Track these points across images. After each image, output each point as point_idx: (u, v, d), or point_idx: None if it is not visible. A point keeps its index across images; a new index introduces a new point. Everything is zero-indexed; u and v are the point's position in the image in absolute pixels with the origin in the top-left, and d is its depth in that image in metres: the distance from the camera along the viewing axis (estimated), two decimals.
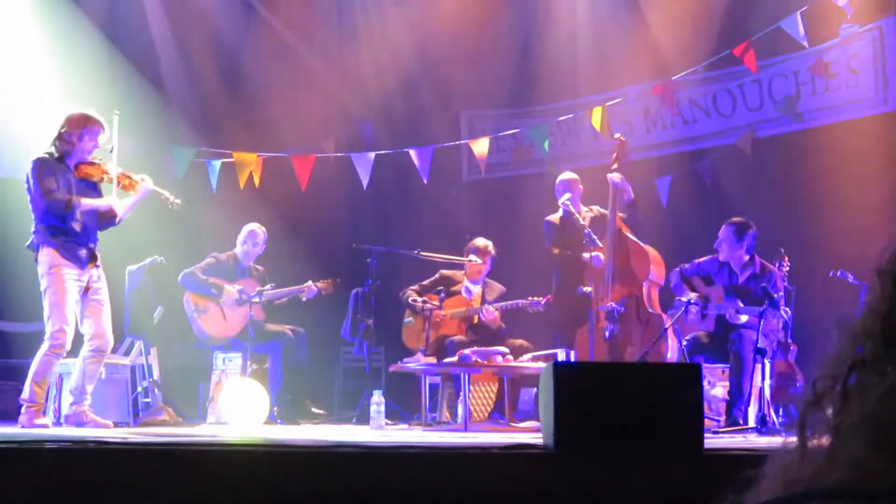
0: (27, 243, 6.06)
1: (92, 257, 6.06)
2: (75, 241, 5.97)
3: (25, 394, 5.92)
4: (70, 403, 6.02)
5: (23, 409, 5.90)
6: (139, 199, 6.24)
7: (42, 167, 5.96)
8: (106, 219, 6.18)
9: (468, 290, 7.81)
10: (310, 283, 7.79)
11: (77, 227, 5.97)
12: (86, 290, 6.02)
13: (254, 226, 7.92)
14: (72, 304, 5.92)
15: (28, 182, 6.00)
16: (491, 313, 7.47)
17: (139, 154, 8.30)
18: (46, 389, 6.03)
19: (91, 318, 6.03)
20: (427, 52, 10.04)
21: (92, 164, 6.12)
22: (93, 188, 6.16)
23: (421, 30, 9.92)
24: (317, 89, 10.10)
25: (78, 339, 6.09)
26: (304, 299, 7.82)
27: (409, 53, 10.06)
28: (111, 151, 6.18)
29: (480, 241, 7.85)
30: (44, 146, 6.10)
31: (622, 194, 7.42)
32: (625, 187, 7.42)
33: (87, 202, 6.04)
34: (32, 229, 6.02)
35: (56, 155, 6.03)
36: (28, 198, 6.06)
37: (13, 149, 8.53)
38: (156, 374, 7.34)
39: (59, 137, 6.03)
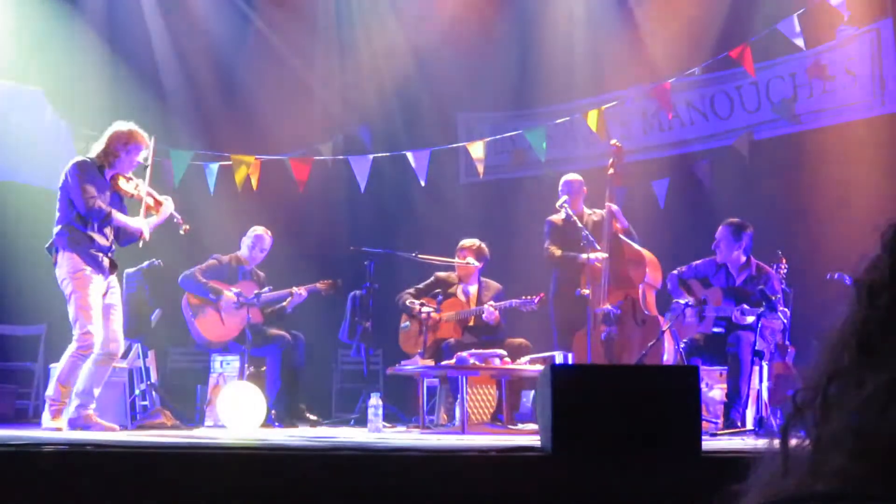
0: (47, 245, 6.06)
1: (112, 266, 6.12)
2: (98, 248, 6.01)
3: (50, 391, 5.98)
4: (76, 406, 6.02)
5: (47, 406, 5.95)
6: (161, 220, 6.36)
7: (85, 171, 6.01)
8: (127, 237, 6.25)
9: (464, 292, 7.80)
10: (294, 288, 7.74)
11: (102, 238, 6.03)
12: (103, 296, 6.06)
13: (261, 230, 7.91)
14: (97, 306, 5.97)
15: (66, 180, 6.00)
16: (491, 313, 7.44)
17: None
18: (71, 389, 6.05)
19: (104, 322, 6.07)
20: (424, 54, 10.04)
21: (127, 179, 6.21)
22: (120, 201, 6.23)
23: (418, 33, 9.93)
24: (314, 92, 10.11)
25: None
26: (287, 309, 7.76)
27: (406, 56, 10.07)
28: (146, 169, 6.27)
29: (467, 241, 7.83)
30: (86, 152, 6.15)
31: (616, 221, 7.47)
32: (619, 216, 7.47)
33: (122, 218, 6.13)
34: (56, 231, 6.02)
35: (97, 164, 6.09)
36: (58, 196, 6.06)
37: (11, 152, 8.54)
38: (153, 377, 7.33)
39: (106, 149, 6.10)
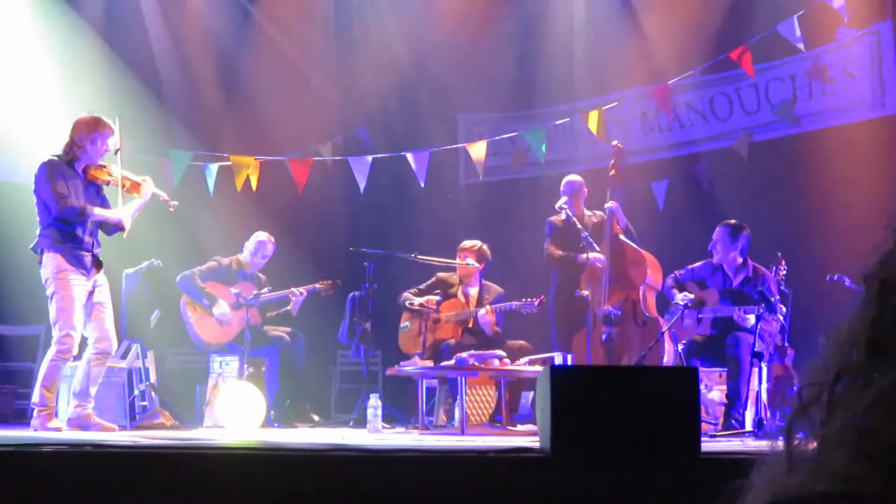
0: (31, 245, 6.05)
1: (96, 263, 6.09)
2: (81, 247, 5.99)
3: (35, 398, 5.96)
4: (74, 406, 6.02)
5: (34, 414, 5.93)
6: (144, 202, 6.27)
7: (52, 171, 5.96)
8: (113, 226, 6.20)
9: (465, 293, 7.79)
10: (293, 289, 7.71)
11: (84, 234, 6.00)
12: (90, 294, 6.04)
13: (264, 236, 7.88)
14: (79, 309, 5.94)
15: (36, 184, 5.98)
16: (485, 317, 7.43)
17: (136, 157, 8.31)
18: (56, 393, 6.04)
19: (95, 321, 6.05)
20: (424, 55, 10.04)
21: (99, 167, 6.15)
22: (97, 191, 6.19)
23: (418, 33, 9.93)
24: (314, 93, 10.10)
25: (82, 342, 6.11)
26: (293, 313, 7.73)
27: (405, 57, 10.07)
28: (116, 154, 6.20)
29: (468, 243, 7.82)
30: (52, 149, 6.12)
31: (615, 220, 7.47)
32: (618, 215, 7.47)
33: (100, 213, 6.09)
34: (38, 232, 6.01)
35: (65, 159, 6.05)
36: (34, 200, 6.04)
37: (9, 153, 8.53)
38: (152, 377, 7.33)
39: (71, 142, 6.05)
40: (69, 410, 6.04)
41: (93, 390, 6.07)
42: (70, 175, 6.02)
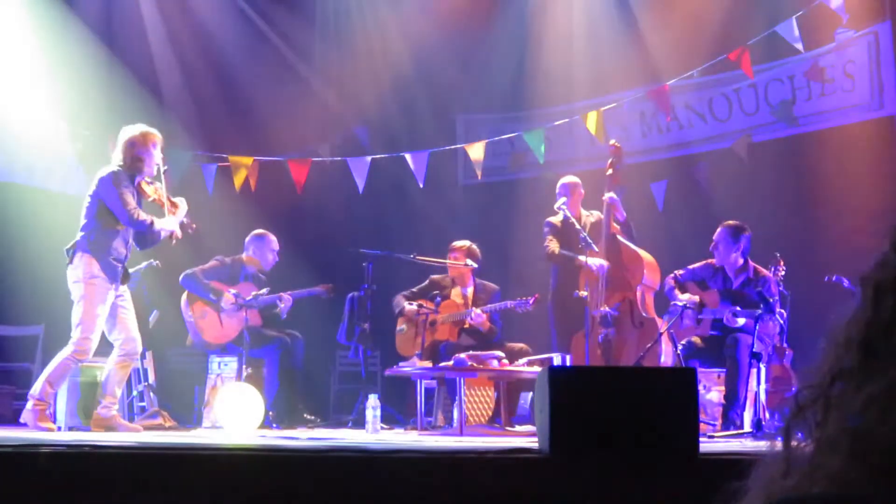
0: (67, 247, 6.09)
1: (125, 276, 6.17)
2: (116, 258, 6.07)
3: (35, 390, 5.99)
4: (105, 403, 6.07)
5: (29, 405, 5.95)
6: (179, 221, 6.40)
7: (121, 180, 6.07)
8: (149, 242, 6.33)
9: (462, 293, 7.79)
10: (282, 294, 7.69)
11: (121, 246, 6.10)
12: (113, 302, 6.10)
13: (262, 232, 7.89)
14: (103, 315, 6.02)
15: (102, 190, 6.04)
16: (479, 316, 7.44)
17: None
18: (56, 391, 6.07)
19: (120, 325, 6.14)
20: (423, 56, 10.04)
21: (149, 183, 6.33)
22: (140, 207, 6.29)
23: (417, 34, 9.93)
24: (313, 93, 10.11)
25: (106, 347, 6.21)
26: (282, 315, 7.72)
27: (404, 57, 10.07)
28: (162, 173, 6.35)
29: (458, 243, 7.83)
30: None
31: (615, 211, 7.46)
32: (617, 207, 7.45)
33: (160, 223, 6.22)
34: (80, 235, 6.06)
35: (128, 172, 6.16)
36: (86, 202, 6.12)
37: (8, 153, 8.53)
38: (151, 378, 7.33)
39: (133, 156, 6.17)
40: (100, 406, 6.08)
41: (118, 391, 6.17)
42: (132, 189, 6.16)
